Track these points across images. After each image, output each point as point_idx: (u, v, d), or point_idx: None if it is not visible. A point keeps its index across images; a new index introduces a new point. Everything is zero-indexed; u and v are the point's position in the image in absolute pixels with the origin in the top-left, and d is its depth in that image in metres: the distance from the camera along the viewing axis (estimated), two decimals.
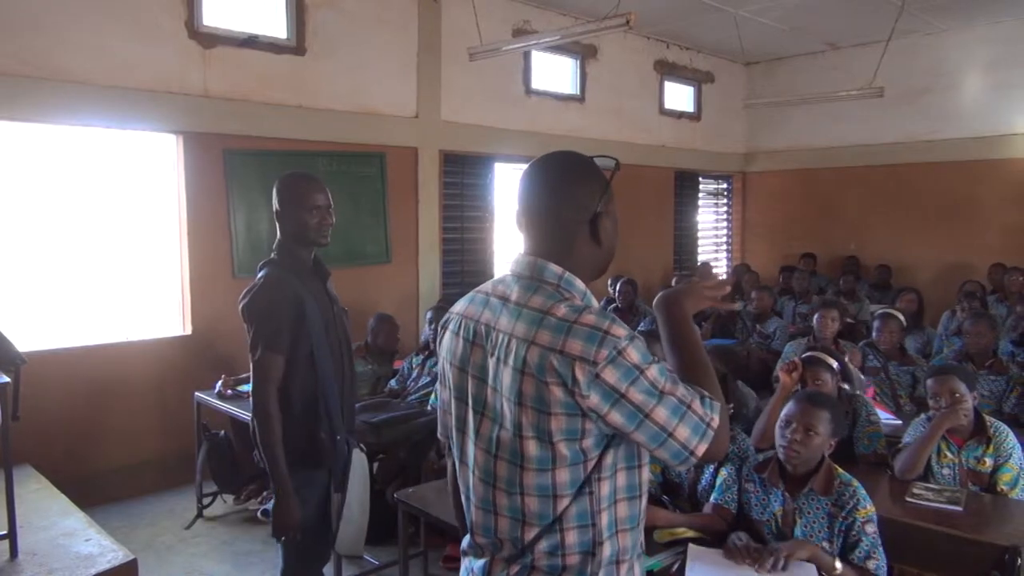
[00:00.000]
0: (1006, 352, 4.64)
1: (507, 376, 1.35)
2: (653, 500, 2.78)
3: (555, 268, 1.39)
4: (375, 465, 3.89)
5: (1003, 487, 2.91)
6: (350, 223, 5.86)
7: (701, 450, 1.33)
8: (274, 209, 2.53)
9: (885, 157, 8.69)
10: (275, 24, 5.50)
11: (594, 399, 1.28)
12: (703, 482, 2.76)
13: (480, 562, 1.48)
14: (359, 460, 2.59)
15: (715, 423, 1.34)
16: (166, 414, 5.00)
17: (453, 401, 1.50)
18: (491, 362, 1.40)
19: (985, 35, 7.96)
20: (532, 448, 1.34)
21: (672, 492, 2.87)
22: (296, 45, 5.56)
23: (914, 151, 8.47)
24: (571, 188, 1.41)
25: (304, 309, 2.40)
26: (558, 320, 1.32)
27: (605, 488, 1.37)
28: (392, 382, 4.86)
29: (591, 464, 1.35)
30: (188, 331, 5.17)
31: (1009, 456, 2.94)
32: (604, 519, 1.38)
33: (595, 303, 1.42)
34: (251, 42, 5.28)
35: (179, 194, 5.11)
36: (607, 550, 1.38)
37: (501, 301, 1.42)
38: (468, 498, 1.50)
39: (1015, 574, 2.31)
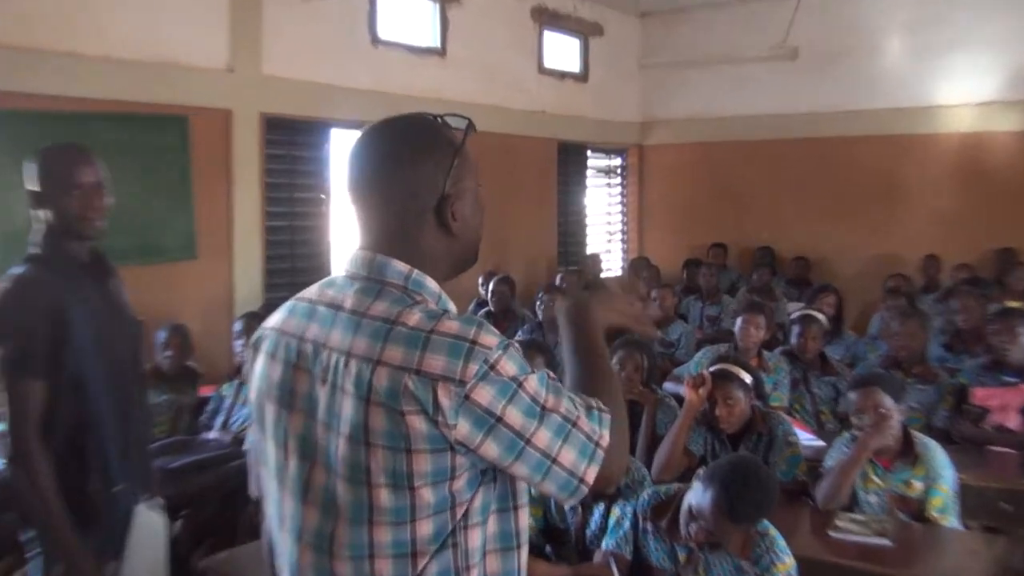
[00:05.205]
0: (935, 358, 4.94)
1: (347, 407, 1.31)
2: (533, 550, 2.81)
3: (399, 265, 1.38)
4: (176, 524, 3.76)
5: (933, 513, 3.13)
6: (141, 208, 5.58)
7: (591, 475, 1.34)
8: (30, 191, 2.45)
9: (800, 130, 9.08)
10: None
11: (464, 428, 1.26)
12: (592, 525, 2.81)
13: None
14: (149, 520, 2.49)
15: (604, 440, 1.35)
16: None
17: (271, 445, 1.44)
18: (322, 391, 1.35)
19: None
20: (385, 498, 1.30)
21: (556, 540, 2.91)
22: None
23: (833, 123, 8.90)
24: (408, 166, 1.39)
25: (66, 319, 2.31)
26: (410, 331, 1.29)
27: (475, 538, 1.35)
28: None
29: (460, 510, 1.33)
30: None
31: (938, 477, 3.16)
32: None
33: (452, 307, 1.41)
34: None
35: None
36: None
37: (332, 310, 1.39)
38: (289, 570, 1.44)
39: None
